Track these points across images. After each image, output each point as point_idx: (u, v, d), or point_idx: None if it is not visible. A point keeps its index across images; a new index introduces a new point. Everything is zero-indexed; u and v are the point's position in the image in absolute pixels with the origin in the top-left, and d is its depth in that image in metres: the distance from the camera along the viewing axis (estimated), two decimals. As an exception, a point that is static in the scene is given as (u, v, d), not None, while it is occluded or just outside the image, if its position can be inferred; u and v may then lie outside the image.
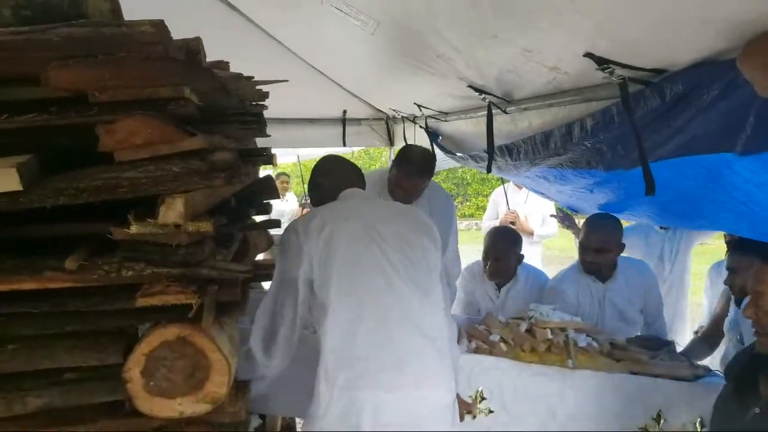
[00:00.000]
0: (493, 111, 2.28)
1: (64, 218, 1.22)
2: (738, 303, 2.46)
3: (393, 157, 4.99)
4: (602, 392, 2.18)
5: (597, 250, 2.71)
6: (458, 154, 3.35)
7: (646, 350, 2.46)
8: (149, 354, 1.14)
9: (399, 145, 4.54)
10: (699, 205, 1.75)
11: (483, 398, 2.18)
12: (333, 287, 1.71)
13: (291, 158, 7.50)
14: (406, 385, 1.68)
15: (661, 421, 2.06)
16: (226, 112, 1.62)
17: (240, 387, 1.32)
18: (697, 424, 2.04)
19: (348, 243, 1.75)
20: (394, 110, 4.09)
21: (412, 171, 2.64)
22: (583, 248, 2.79)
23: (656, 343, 2.59)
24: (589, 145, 1.70)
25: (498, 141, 2.35)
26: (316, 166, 2.09)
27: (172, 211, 1.11)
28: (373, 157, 16.73)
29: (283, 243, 1.84)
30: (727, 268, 2.49)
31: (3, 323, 1.16)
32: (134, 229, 1.11)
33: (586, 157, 1.81)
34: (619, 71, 1.35)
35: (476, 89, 2.20)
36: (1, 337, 1.15)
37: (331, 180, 1.97)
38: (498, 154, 2.41)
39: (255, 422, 1.98)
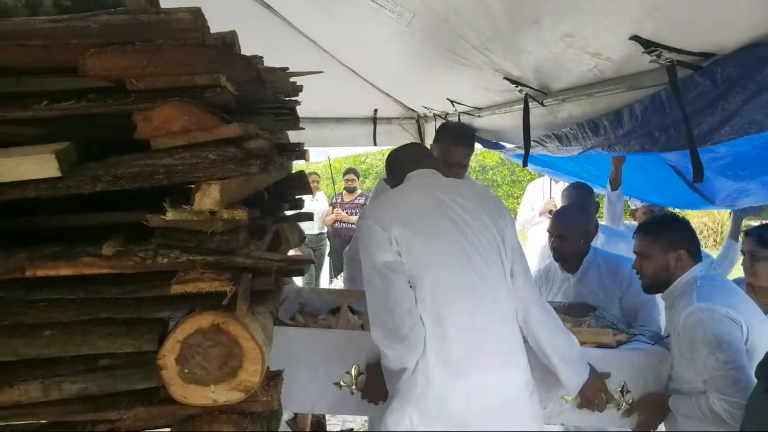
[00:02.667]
0: (530, 104, 2.23)
1: (99, 208, 1.23)
2: None
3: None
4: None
5: (559, 236, 2.76)
6: (504, 144, 3.31)
7: (572, 317, 2.46)
8: (184, 341, 1.13)
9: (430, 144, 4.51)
10: (760, 172, 1.71)
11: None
12: (419, 267, 1.72)
13: (321, 158, 7.54)
14: (497, 367, 1.72)
15: None
16: (261, 103, 1.62)
17: (273, 377, 1.30)
18: (621, 391, 2.06)
19: (423, 220, 1.78)
20: (425, 108, 4.05)
21: (456, 140, 2.55)
22: (549, 235, 2.85)
23: (582, 309, 2.57)
24: (640, 131, 1.64)
25: (537, 132, 2.30)
26: (387, 157, 2.25)
27: (208, 197, 1.10)
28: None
29: (362, 235, 1.86)
30: None
31: (40, 309, 1.16)
32: (170, 215, 1.10)
33: (639, 142, 1.75)
34: (666, 55, 1.30)
35: (512, 81, 2.15)
36: (38, 323, 1.16)
37: (398, 167, 2.08)
38: (546, 141, 2.39)
39: (287, 415, 1.98)
